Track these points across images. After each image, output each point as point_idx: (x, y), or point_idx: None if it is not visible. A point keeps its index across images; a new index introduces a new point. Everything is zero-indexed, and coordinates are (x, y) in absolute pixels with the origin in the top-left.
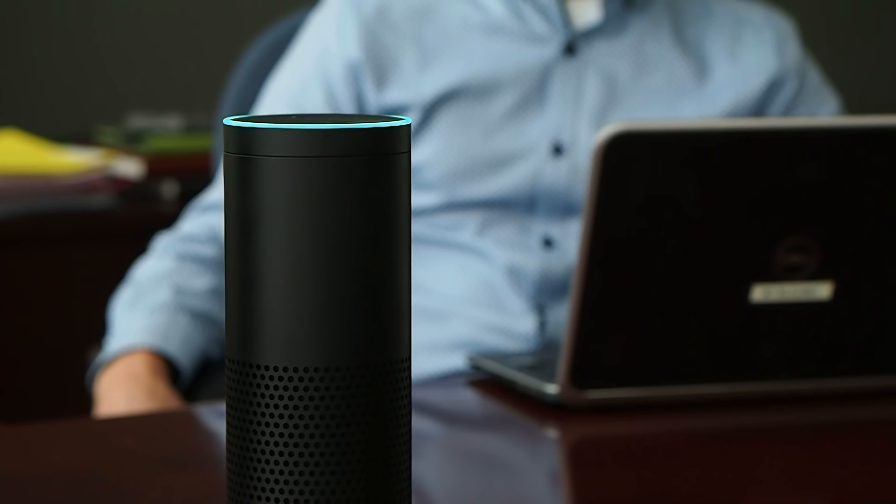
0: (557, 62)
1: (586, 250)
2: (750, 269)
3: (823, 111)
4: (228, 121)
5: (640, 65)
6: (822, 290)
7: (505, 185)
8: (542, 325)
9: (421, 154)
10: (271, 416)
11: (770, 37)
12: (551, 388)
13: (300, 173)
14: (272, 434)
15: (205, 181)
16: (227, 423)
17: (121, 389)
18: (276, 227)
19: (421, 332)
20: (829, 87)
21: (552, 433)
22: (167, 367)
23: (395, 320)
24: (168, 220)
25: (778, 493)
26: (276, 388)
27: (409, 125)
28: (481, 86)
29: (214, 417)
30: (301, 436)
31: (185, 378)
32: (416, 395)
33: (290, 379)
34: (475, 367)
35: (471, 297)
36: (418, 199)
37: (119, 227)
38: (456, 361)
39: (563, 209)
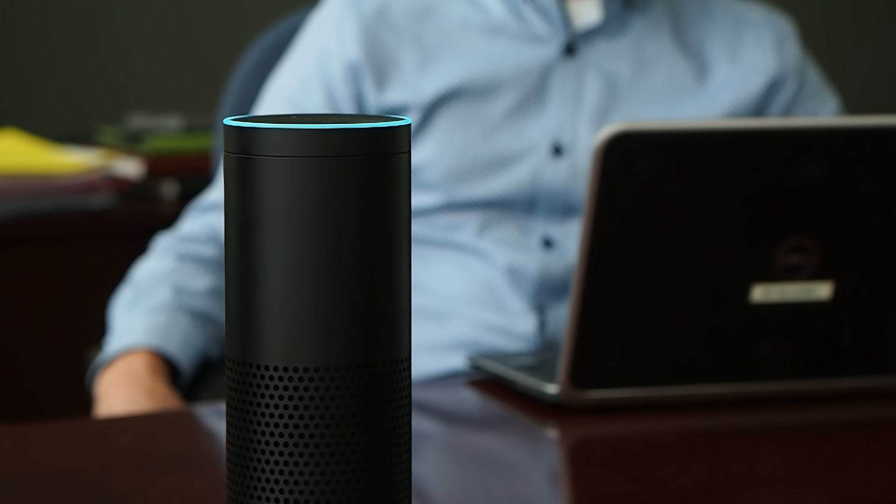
0: (557, 62)
1: (586, 250)
2: (750, 269)
3: (823, 111)
4: (228, 121)
5: (640, 65)
6: (822, 290)
7: (505, 185)
8: (542, 325)
9: (420, 154)
10: (271, 416)
11: (770, 37)
12: (551, 388)
13: (300, 173)
14: (272, 434)
15: (205, 181)
16: (227, 423)
17: (120, 389)
18: (276, 227)
19: (421, 333)
20: (828, 88)
21: (552, 433)
22: (167, 366)
23: (395, 320)
24: (168, 220)
25: (778, 493)
26: (276, 388)
27: (409, 125)
28: (481, 86)
29: (214, 417)
30: (301, 436)
31: (185, 378)
32: (416, 395)
33: (290, 379)
34: (475, 367)
35: (471, 297)
36: (418, 199)
37: (119, 227)
38: (456, 361)
39: (562, 209)
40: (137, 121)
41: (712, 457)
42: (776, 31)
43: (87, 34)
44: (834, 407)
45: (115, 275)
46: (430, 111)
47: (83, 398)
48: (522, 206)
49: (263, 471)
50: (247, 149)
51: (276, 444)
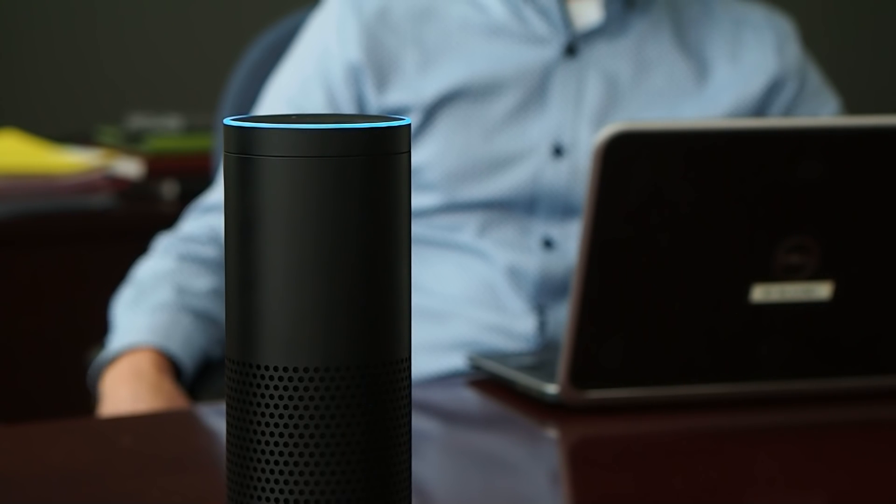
0: (558, 63)
1: (586, 250)
2: (750, 269)
3: (824, 112)
4: (228, 121)
5: (641, 66)
6: (822, 290)
7: (505, 186)
8: (542, 326)
9: (421, 155)
10: (271, 416)
11: (770, 38)
12: (551, 388)
13: (300, 173)
14: (272, 434)
15: (205, 181)
16: (227, 423)
17: (125, 386)
18: (276, 227)
19: (421, 333)
20: (829, 88)
21: (552, 433)
22: (170, 365)
23: (395, 320)
24: (168, 220)
25: (777, 493)
26: (276, 388)
27: (409, 125)
28: (482, 87)
29: (214, 417)
30: (301, 436)
31: (187, 377)
32: (416, 395)
33: (290, 379)
34: (475, 367)
35: (471, 297)
36: (418, 199)
37: (119, 227)
38: (456, 362)
39: (563, 210)
40: (137, 121)
41: (712, 457)
42: (776, 31)
43: (87, 34)
44: (834, 407)
45: (115, 275)
46: (431, 112)
47: (83, 398)
48: (523, 206)
49: (263, 471)
50: (247, 149)
51: (276, 444)
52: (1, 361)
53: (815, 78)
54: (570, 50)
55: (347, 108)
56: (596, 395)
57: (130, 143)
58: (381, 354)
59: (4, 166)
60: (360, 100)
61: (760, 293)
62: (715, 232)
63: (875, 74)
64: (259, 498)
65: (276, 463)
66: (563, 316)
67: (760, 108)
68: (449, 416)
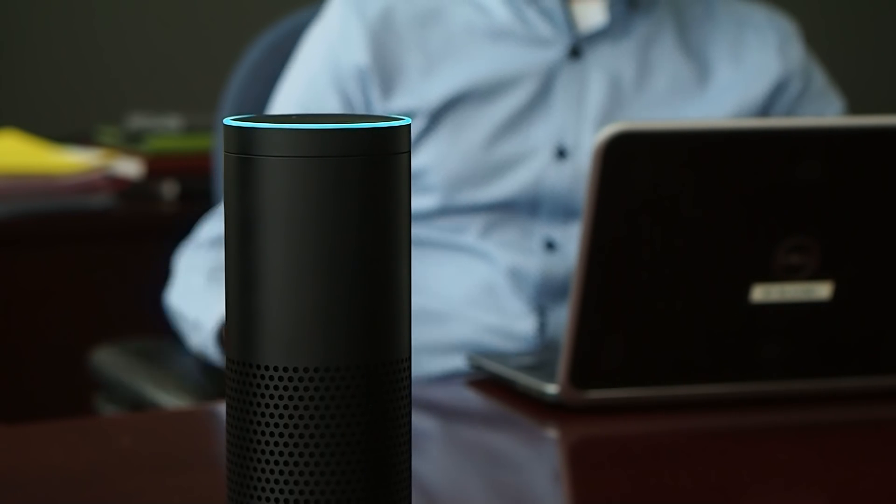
0: (562, 65)
1: (586, 250)
2: (750, 269)
3: (829, 113)
4: (228, 121)
5: (645, 68)
6: (822, 290)
7: (508, 188)
8: (543, 327)
9: (425, 158)
10: (271, 416)
11: (773, 38)
12: (551, 388)
13: (300, 173)
14: (272, 434)
15: (205, 181)
16: (227, 423)
17: None
18: (276, 227)
19: (422, 334)
20: (834, 89)
21: (552, 433)
22: None
23: (394, 320)
24: (168, 220)
25: (778, 493)
26: (276, 388)
27: (409, 125)
28: (485, 89)
29: (214, 417)
30: (301, 436)
31: None
32: (417, 394)
33: (290, 379)
34: (475, 367)
35: (472, 298)
36: (421, 202)
37: (119, 227)
38: (457, 362)
39: (565, 212)
40: (137, 121)
41: (712, 457)
42: (779, 32)
43: (87, 34)
44: (834, 407)
45: (115, 275)
46: (435, 116)
47: (83, 398)
48: (525, 208)
49: (263, 471)
50: (247, 149)
51: (276, 444)
52: (1, 361)
53: (820, 79)
54: (574, 52)
55: (360, 111)
56: (596, 395)
57: (130, 143)
58: (381, 354)
59: (4, 166)
60: (367, 104)
61: (760, 293)
62: (715, 232)
63: (875, 75)
64: (259, 498)
65: (276, 463)
66: (563, 317)
67: (764, 110)
68: (449, 416)
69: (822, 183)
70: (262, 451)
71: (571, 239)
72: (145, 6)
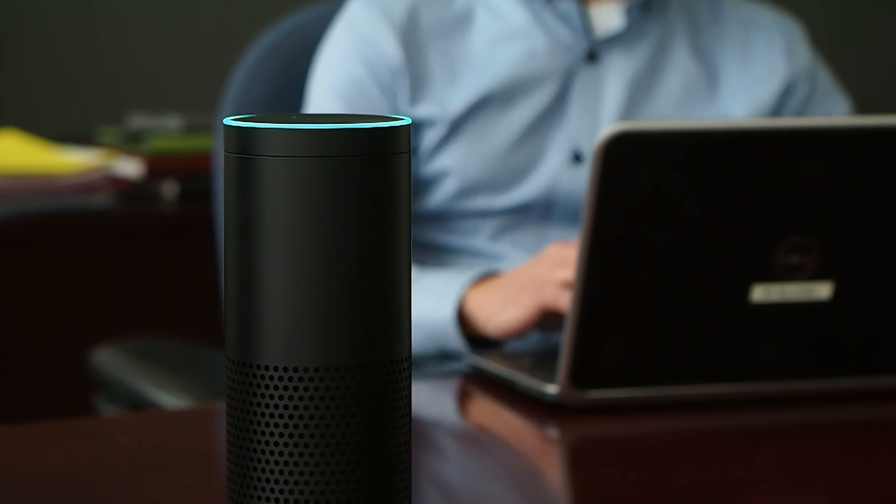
0: (578, 69)
1: (586, 250)
2: (750, 269)
3: (835, 114)
4: (228, 121)
5: (658, 72)
6: (822, 290)
7: (524, 194)
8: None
9: (445, 162)
10: (271, 416)
11: (780, 41)
12: (551, 388)
13: (300, 173)
14: (272, 434)
15: (205, 181)
16: (227, 423)
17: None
18: (276, 227)
19: None
20: (840, 89)
21: (552, 433)
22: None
23: (395, 320)
24: (168, 220)
25: (777, 493)
26: (276, 388)
27: (409, 125)
28: (505, 94)
29: (214, 417)
30: (301, 436)
31: None
32: (417, 394)
33: (290, 379)
34: (475, 367)
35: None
36: (436, 204)
37: (119, 227)
38: (458, 364)
39: (578, 216)
40: (137, 121)
41: (712, 457)
42: (786, 34)
43: (87, 34)
44: (834, 407)
45: (115, 275)
46: (457, 124)
47: (83, 398)
48: (539, 212)
49: (263, 471)
50: (247, 149)
51: (276, 444)
52: (1, 361)
53: (826, 80)
54: (591, 56)
55: (394, 109)
56: (596, 395)
57: (130, 143)
58: (381, 354)
59: (4, 166)
60: (395, 106)
61: (760, 293)
62: (715, 232)
63: (876, 75)
64: (259, 498)
65: (276, 463)
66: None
67: (774, 113)
68: (449, 416)
69: (823, 183)
70: (262, 451)
71: None
72: (145, 6)
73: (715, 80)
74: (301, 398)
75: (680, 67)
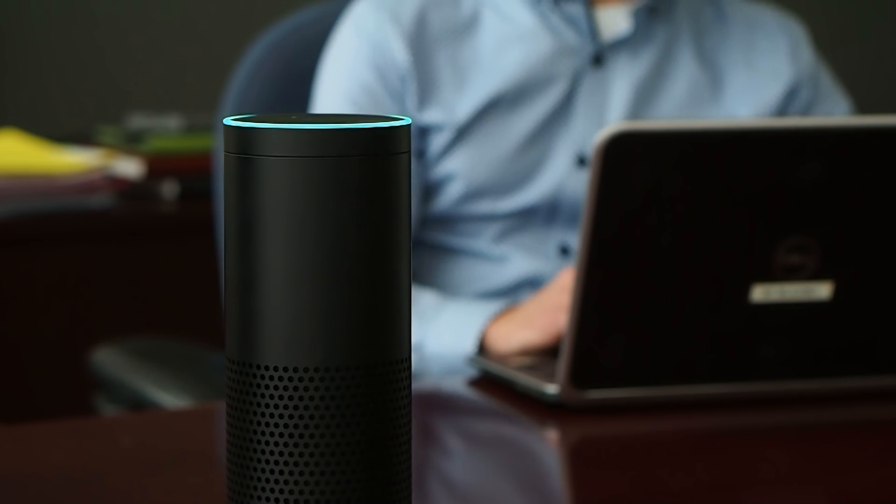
0: (585, 73)
1: (586, 250)
2: (750, 269)
3: (836, 113)
4: (228, 121)
5: (664, 75)
6: (822, 290)
7: (530, 197)
8: None
9: (452, 166)
10: (271, 416)
11: (784, 43)
12: (551, 388)
13: (300, 173)
14: (272, 434)
15: (205, 181)
16: (227, 423)
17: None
18: (276, 227)
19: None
20: (840, 88)
21: (552, 433)
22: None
23: (395, 320)
24: (168, 220)
25: (778, 493)
26: (276, 388)
27: (409, 125)
28: (512, 97)
29: (214, 417)
30: (301, 436)
31: None
32: (416, 394)
33: (290, 379)
34: (475, 367)
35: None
36: (442, 207)
37: (119, 227)
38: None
39: (581, 218)
40: (137, 121)
41: (712, 457)
42: (789, 36)
43: (87, 34)
44: (834, 407)
45: (115, 275)
46: (464, 129)
47: (83, 398)
48: (543, 215)
49: (263, 471)
50: (247, 149)
51: (276, 444)
52: (1, 361)
53: (827, 80)
54: (598, 59)
55: (401, 111)
56: (596, 395)
57: (130, 143)
58: (381, 354)
59: (4, 166)
60: (403, 109)
61: (760, 293)
62: (715, 232)
63: (876, 75)
64: (259, 498)
65: (276, 463)
66: None
67: (778, 115)
68: (449, 416)
69: (823, 183)
70: (262, 451)
71: None
72: (145, 6)
73: (720, 83)
74: (301, 398)
75: (685, 71)
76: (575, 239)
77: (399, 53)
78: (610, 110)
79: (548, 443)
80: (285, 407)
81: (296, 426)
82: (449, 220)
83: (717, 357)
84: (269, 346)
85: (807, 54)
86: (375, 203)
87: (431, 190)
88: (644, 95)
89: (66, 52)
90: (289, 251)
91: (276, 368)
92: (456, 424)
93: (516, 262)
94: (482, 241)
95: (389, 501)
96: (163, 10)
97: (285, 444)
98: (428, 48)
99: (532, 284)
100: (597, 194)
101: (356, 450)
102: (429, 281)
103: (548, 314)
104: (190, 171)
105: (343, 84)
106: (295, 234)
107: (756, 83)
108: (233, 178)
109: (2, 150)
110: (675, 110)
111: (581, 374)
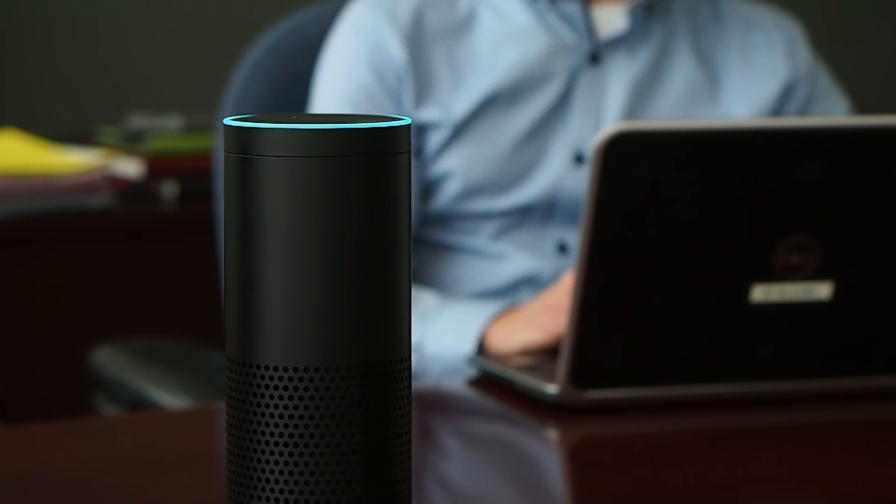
0: (582, 70)
1: (586, 250)
2: (750, 269)
3: (834, 113)
4: (228, 121)
5: (661, 74)
6: (822, 290)
7: (527, 194)
8: None
9: (449, 164)
10: (271, 416)
11: (780, 41)
12: (551, 388)
13: (300, 173)
14: (272, 434)
15: (205, 181)
16: (227, 423)
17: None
18: (276, 227)
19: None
20: (839, 88)
21: (552, 433)
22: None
23: (395, 320)
24: (168, 220)
25: (778, 493)
26: (276, 388)
27: (409, 125)
28: (508, 95)
29: (214, 417)
30: (301, 436)
31: None
32: (416, 394)
33: (290, 379)
34: (475, 367)
35: (484, 299)
36: (439, 204)
37: (119, 227)
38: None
39: (579, 216)
40: (137, 121)
41: (712, 457)
42: (786, 34)
43: (87, 34)
44: (834, 407)
45: (115, 275)
46: (460, 127)
47: (83, 398)
48: (541, 212)
49: (263, 471)
50: (247, 149)
51: (276, 444)
52: (1, 361)
53: (825, 80)
54: (594, 57)
55: (399, 110)
56: (596, 395)
57: (130, 143)
58: (381, 354)
59: (4, 166)
60: (401, 107)
61: (760, 293)
62: (715, 232)
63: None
64: (259, 498)
65: (276, 463)
66: None
67: (775, 113)
68: (449, 416)
69: (822, 183)
70: (262, 451)
71: None
72: (145, 6)
73: (717, 81)
74: (301, 398)
75: (682, 69)
76: (572, 236)
77: (396, 52)
78: (607, 108)
79: (548, 443)
80: (285, 407)
81: (296, 426)
82: (446, 218)
83: (717, 357)
84: (269, 346)
85: (804, 52)
86: (375, 203)
87: (429, 188)
88: (641, 93)
89: (66, 52)
90: (289, 251)
91: (276, 368)
92: (456, 424)
93: (514, 259)
94: (480, 238)
95: (389, 501)
96: (163, 11)
97: (285, 444)
98: (425, 46)
99: (530, 282)
100: (597, 194)
101: (356, 450)
102: (427, 279)
103: (550, 314)
104: (190, 171)
105: (341, 84)
106: (295, 234)
107: (753, 81)
108: (233, 178)
109: (2, 150)
110: (673, 108)
111: (581, 374)
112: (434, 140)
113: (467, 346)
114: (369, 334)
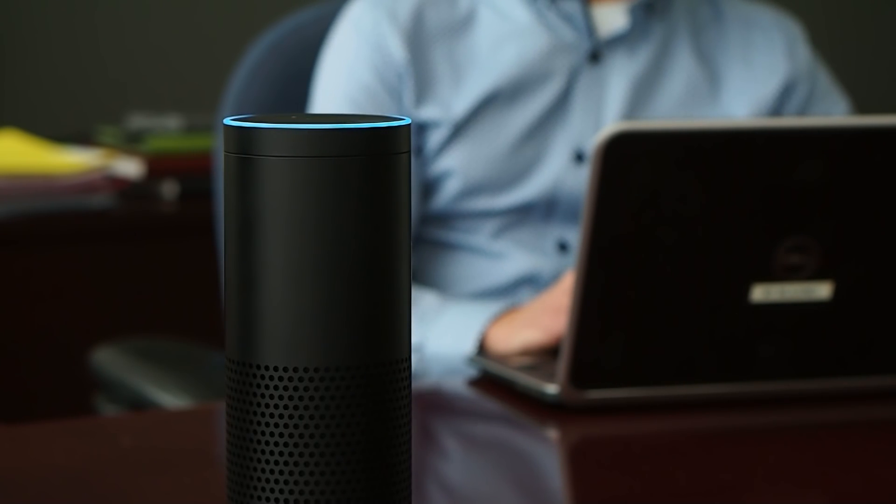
0: (582, 69)
1: (586, 250)
2: (750, 269)
3: (834, 112)
4: (228, 121)
5: (661, 72)
6: (822, 290)
7: (527, 193)
8: None
9: (449, 163)
10: (271, 416)
11: (780, 40)
12: (551, 388)
13: (300, 173)
14: (272, 434)
15: (205, 181)
16: (227, 423)
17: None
18: (276, 227)
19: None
20: (839, 88)
21: (552, 433)
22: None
23: (395, 320)
24: (168, 220)
25: (778, 493)
26: (276, 388)
27: (409, 125)
28: (509, 93)
29: (214, 417)
30: (301, 436)
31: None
32: (416, 394)
33: (290, 379)
34: (475, 368)
35: (484, 298)
36: (439, 203)
37: (119, 227)
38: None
39: (579, 215)
40: (137, 121)
41: (712, 457)
42: (786, 33)
43: (87, 34)
44: (834, 407)
45: (115, 275)
46: (460, 126)
47: (83, 398)
48: (541, 211)
49: (263, 471)
50: (247, 149)
51: (276, 444)
52: (1, 361)
53: (825, 79)
54: (594, 56)
55: (400, 110)
56: (596, 395)
57: (130, 143)
58: (381, 354)
59: (4, 166)
60: (401, 107)
61: (760, 293)
62: (715, 232)
63: (876, 75)
64: (259, 498)
65: (276, 463)
66: None
67: (775, 112)
68: (449, 416)
69: (823, 183)
70: (262, 451)
71: None
72: (145, 6)
73: (717, 80)
74: (301, 398)
75: (682, 68)
76: (573, 235)
77: (396, 51)
78: (607, 107)
79: (548, 443)
80: (285, 407)
81: (296, 426)
82: (446, 217)
83: (717, 357)
84: (269, 346)
85: (803, 52)
86: (375, 203)
87: (429, 186)
88: (641, 92)
89: (66, 52)
90: (289, 251)
91: (276, 368)
92: (456, 425)
93: (514, 258)
94: (480, 237)
95: (389, 501)
96: (163, 11)
97: (285, 444)
98: (425, 45)
99: (530, 281)
100: (597, 194)
101: (356, 450)
102: (427, 277)
103: (550, 314)
104: (190, 171)
105: (342, 83)
106: (295, 234)
107: (753, 80)
108: (233, 178)
109: (2, 150)
110: (673, 107)
111: (581, 374)
112: (434, 139)
113: (468, 346)
114: (369, 334)
